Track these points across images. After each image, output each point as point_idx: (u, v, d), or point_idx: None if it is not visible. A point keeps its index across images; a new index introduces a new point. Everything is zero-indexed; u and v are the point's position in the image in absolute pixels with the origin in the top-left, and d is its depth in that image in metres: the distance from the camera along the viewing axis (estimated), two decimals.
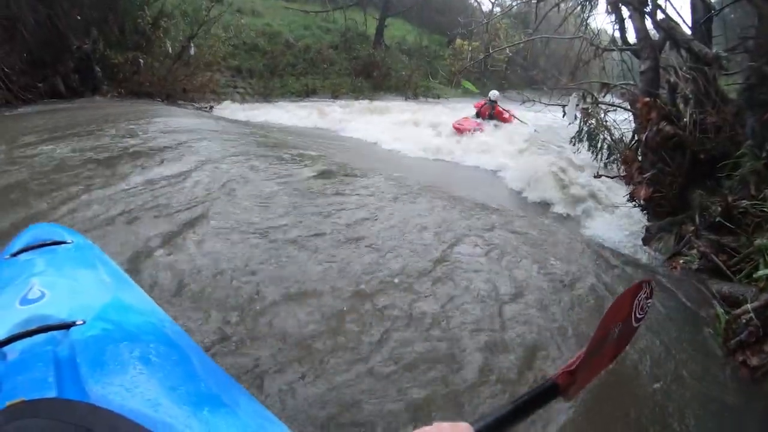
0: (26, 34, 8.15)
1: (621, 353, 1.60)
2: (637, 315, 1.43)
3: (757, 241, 3.00)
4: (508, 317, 2.51)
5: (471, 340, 2.30)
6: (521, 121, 10.79)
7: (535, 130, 10.28)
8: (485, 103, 11.04)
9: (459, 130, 9.79)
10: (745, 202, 3.33)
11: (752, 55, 3.72)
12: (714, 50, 4.19)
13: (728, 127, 3.89)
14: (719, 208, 3.44)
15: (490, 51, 15.06)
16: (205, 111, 11.11)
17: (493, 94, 11.27)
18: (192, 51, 11.42)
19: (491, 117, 10.70)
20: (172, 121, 6.58)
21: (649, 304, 1.47)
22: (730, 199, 3.39)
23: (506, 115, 10.94)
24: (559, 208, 5.93)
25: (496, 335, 2.36)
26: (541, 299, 2.72)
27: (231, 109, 11.98)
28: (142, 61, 9.99)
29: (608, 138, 5.66)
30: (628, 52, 5.83)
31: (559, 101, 7.56)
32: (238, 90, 14.51)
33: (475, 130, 9.69)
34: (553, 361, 2.22)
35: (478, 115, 10.84)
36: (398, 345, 2.20)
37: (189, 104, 11.38)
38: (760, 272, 2.79)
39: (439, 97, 19.12)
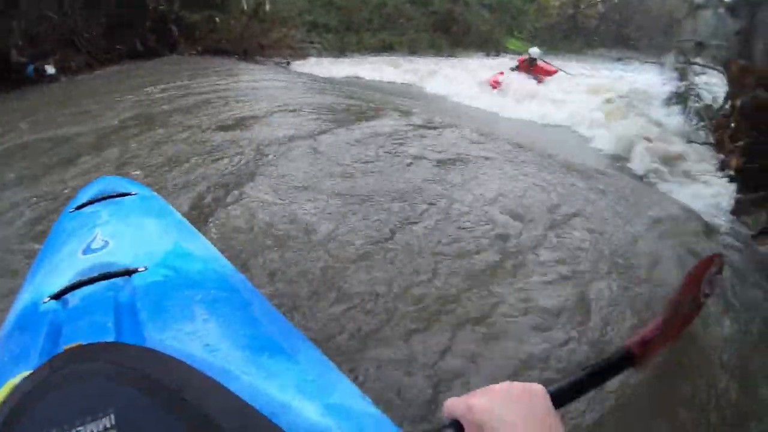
0: None
1: (688, 327, 1.53)
2: (706, 291, 1.36)
3: None
4: (582, 279, 2.44)
5: (545, 300, 2.24)
6: (567, 73, 11.13)
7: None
8: (525, 60, 11.30)
9: (494, 86, 10.08)
10: None
11: None
12: None
13: None
14: None
15: (581, 6, 14.05)
16: (283, 66, 11.23)
17: (534, 51, 11.36)
18: (267, 7, 11.49)
19: (528, 73, 10.88)
20: (250, 77, 6.74)
21: (718, 280, 1.36)
22: None
23: (550, 69, 11.15)
24: (644, 171, 5.57)
25: (571, 296, 2.30)
26: (619, 261, 2.63)
27: (308, 65, 12.05)
28: (217, 19, 10.19)
29: (699, 102, 5.16)
30: (723, 11, 5.19)
31: (657, 59, 6.97)
32: (314, 46, 14.48)
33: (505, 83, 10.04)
34: (626, 327, 2.15)
35: (517, 68, 11.12)
36: (477, 303, 2.17)
37: (266, 60, 11.52)
38: None
39: (522, 54, 18.19)
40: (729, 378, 1.97)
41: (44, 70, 7.54)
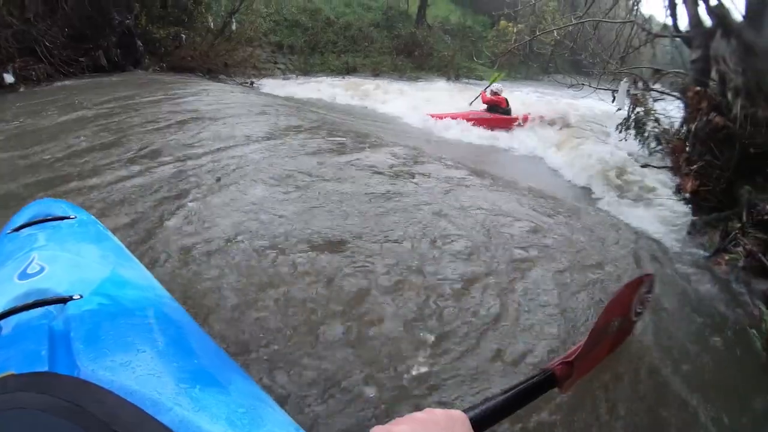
0: (67, 8, 8.24)
1: (619, 346, 1.54)
2: (637, 309, 1.44)
3: None
4: (529, 298, 2.40)
5: (483, 316, 2.19)
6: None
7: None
8: (502, 97, 9.89)
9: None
10: None
11: None
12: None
13: None
14: None
15: (537, 33, 14.55)
16: (246, 86, 11.18)
17: (498, 87, 10.28)
18: (233, 26, 11.52)
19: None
20: (212, 95, 6.66)
21: (649, 299, 1.44)
22: None
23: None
24: (601, 195, 5.78)
25: (514, 316, 2.24)
26: (572, 283, 2.62)
27: (272, 85, 12.05)
28: (183, 36, 10.14)
29: (657, 127, 5.39)
30: (679, 40, 5.49)
31: (609, 86, 7.27)
32: (278, 66, 14.57)
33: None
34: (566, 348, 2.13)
35: (497, 110, 9.80)
36: (404, 322, 2.08)
37: (230, 79, 11.50)
38: None
39: (482, 79, 18.72)
40: (682, 403, 1.95)
41: (2, 79, 7.23)
